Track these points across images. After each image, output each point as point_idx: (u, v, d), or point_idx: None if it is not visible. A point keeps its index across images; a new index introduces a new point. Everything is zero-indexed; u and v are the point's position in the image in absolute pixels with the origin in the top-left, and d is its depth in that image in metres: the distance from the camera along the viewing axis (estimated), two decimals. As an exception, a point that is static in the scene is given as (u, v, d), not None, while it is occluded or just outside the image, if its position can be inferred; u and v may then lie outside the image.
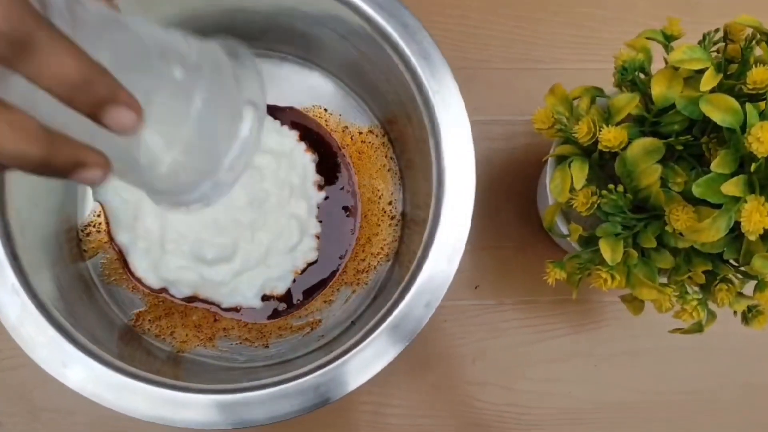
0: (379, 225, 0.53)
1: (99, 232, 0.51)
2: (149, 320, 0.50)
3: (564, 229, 0.45)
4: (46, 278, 0.43)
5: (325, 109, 0.54)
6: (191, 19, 0.48)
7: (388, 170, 0.53)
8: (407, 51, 0.43)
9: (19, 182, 0.42)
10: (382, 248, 0.52)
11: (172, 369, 0.47)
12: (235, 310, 0.51)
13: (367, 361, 0.40)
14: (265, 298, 0.51)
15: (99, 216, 0.51)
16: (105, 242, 0.51)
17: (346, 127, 0.54)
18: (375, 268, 0.52)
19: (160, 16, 0.47)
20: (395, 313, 0.41)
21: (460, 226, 0.41)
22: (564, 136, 0.42)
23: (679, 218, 0.35)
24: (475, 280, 0.55)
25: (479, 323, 0.54)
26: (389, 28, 0.43)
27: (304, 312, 0.51)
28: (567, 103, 0.43)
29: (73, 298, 0.45)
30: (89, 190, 0.51)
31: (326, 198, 0.53)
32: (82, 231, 0.50)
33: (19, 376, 0.50)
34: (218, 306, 0.51)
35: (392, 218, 0.53)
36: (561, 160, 0.43)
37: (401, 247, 0.52)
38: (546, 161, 0.45)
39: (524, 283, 0.55)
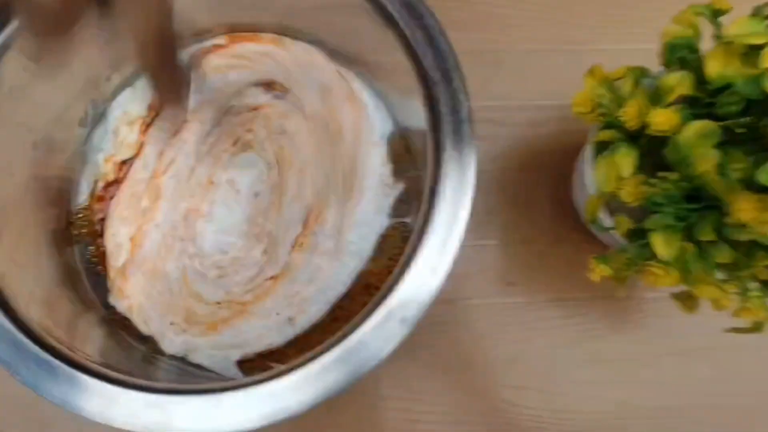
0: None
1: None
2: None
3: (608, 222, 0.41)
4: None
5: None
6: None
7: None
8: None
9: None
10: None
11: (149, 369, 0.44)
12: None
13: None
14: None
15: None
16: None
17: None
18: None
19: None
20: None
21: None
22: (607, 121, 0.39)
23: (745, 208, 0.32)
24: (508, 276, 0.51)
25: (513, 322, 0.51)
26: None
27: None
28: (608, 85, 0.40)
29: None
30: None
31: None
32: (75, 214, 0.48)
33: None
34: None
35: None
36: (601, 147, 0.40)
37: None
38: (583, 148, 0.42)
39: (560, 279, 0.51)
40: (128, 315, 0.46)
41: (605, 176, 0.37)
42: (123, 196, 0.47)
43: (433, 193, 0.36)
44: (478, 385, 0.50)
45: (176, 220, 0.47)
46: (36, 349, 0.34)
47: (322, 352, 0.35)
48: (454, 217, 0.36)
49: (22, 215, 0.41)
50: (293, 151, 0.48)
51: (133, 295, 0.46)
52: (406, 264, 0.36)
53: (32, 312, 0.36)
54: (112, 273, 0.46)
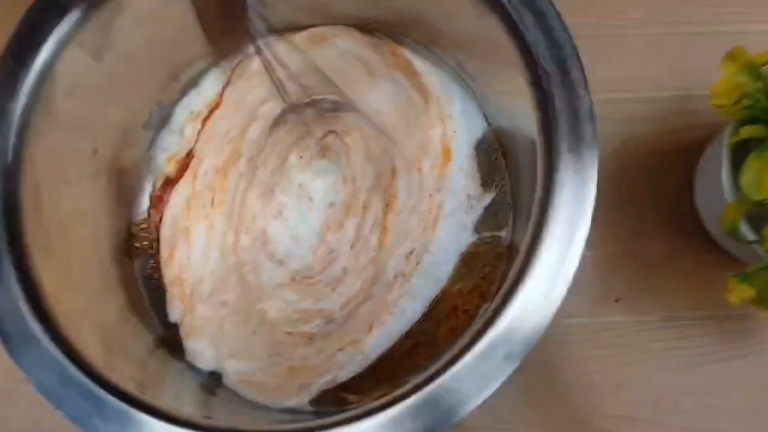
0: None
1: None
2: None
3: (750, 234, 0.35)
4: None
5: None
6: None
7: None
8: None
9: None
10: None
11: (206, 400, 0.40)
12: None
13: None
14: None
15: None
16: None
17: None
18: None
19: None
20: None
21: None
22: (753, 115, 0.32)
23: None
24: (613, 292, 0.45)
25: (618, 344, 0.45)
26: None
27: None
28: (753, 72, 0.33)
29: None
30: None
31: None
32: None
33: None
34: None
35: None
36: (741, 146, 0.33)
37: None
38: (708, 147, 0.36)
39: (674, 296, 0.45)
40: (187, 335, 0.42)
41: (755, 181, 0.31)
42: (181, 190, 0.44)
43: (544, 205, 0.31)
44: (576, 414, 0.45)
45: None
46: (85, 379, 0.31)
47: (406, 394, 0.30)
48: (570, 233, 0.30)
49: (78, 227, 0.38)
50: (367, 168, 0.44)
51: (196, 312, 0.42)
52: (512, 288, 0.31)
53: (83, 336, 0.33)
54: (169, 277, 0.43)
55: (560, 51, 0.31)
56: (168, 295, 0.43)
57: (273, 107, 0.44)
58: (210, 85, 0.45)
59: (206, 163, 0.44)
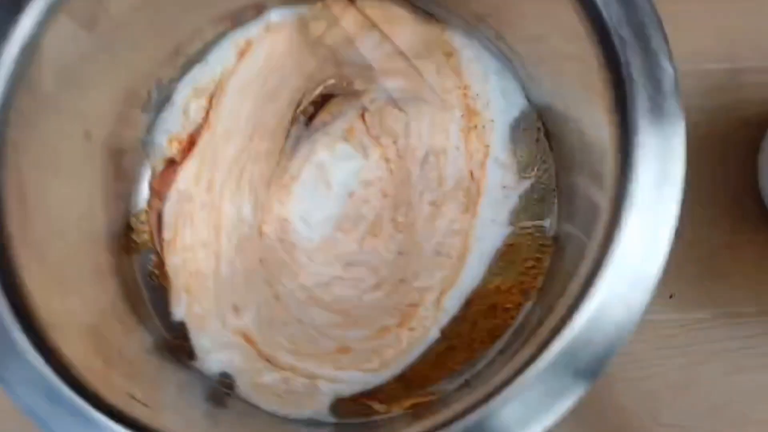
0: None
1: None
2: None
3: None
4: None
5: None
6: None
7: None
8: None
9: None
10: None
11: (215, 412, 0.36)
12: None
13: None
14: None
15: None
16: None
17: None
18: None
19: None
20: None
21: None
22: None
23: None
24: (668, 286, 0.41)
25: (675, 344, 0.41)
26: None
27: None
28: None
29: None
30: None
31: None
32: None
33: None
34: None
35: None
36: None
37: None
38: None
39: (739, 290, 0.41)
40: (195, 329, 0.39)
41: None
42: (188, 169, 0.40)
43: (620, 194, 0.26)
44: (629, 424, 0.41)
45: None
46: (74, 396, 0.26)
47: (445, 423, 0.26)
48: (654, 226, 0.26)
49: (70, 220, 0.33)
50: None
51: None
52: (582, 293, 0.26)
53: (75, 346, 0.28)
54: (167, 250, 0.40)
55: (637, 14, 0.27)
56: (172, 287, 0.39)
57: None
58: (218, 59, 0.40)
59: (217, 138, 0.40)
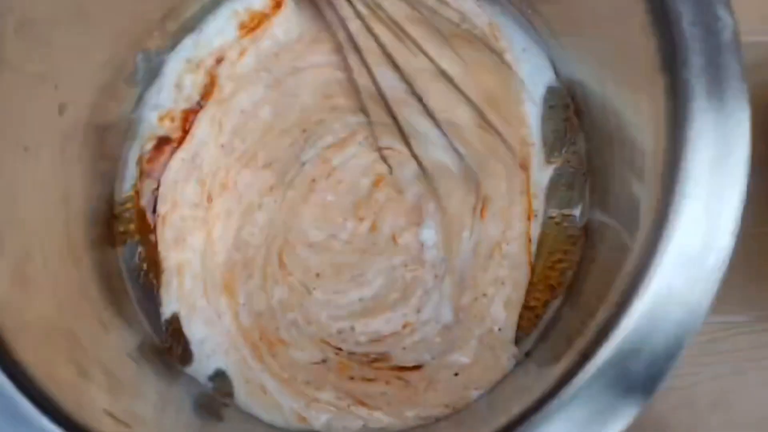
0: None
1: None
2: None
3: None
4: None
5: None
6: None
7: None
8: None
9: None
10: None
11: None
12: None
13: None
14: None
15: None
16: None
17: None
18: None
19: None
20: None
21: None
22: None
23: None
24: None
25: (715, 351, 0.38)
26: None
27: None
28: None
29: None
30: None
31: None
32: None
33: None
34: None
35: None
36: None
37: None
38: None
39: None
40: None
41: None
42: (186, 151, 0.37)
43: (674, 174, 0.22)
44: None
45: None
46: (39, 416, 0.22)
47: None
48: (715, 212, 0.22)
49: (40, 208, 0.29)
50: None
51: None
52: (630, 291, 0.22)
53: (47, 358, 0.24)
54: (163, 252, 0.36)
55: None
56: (164, 272, 0.36)
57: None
58: (216, 30, 0.37)
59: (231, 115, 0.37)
